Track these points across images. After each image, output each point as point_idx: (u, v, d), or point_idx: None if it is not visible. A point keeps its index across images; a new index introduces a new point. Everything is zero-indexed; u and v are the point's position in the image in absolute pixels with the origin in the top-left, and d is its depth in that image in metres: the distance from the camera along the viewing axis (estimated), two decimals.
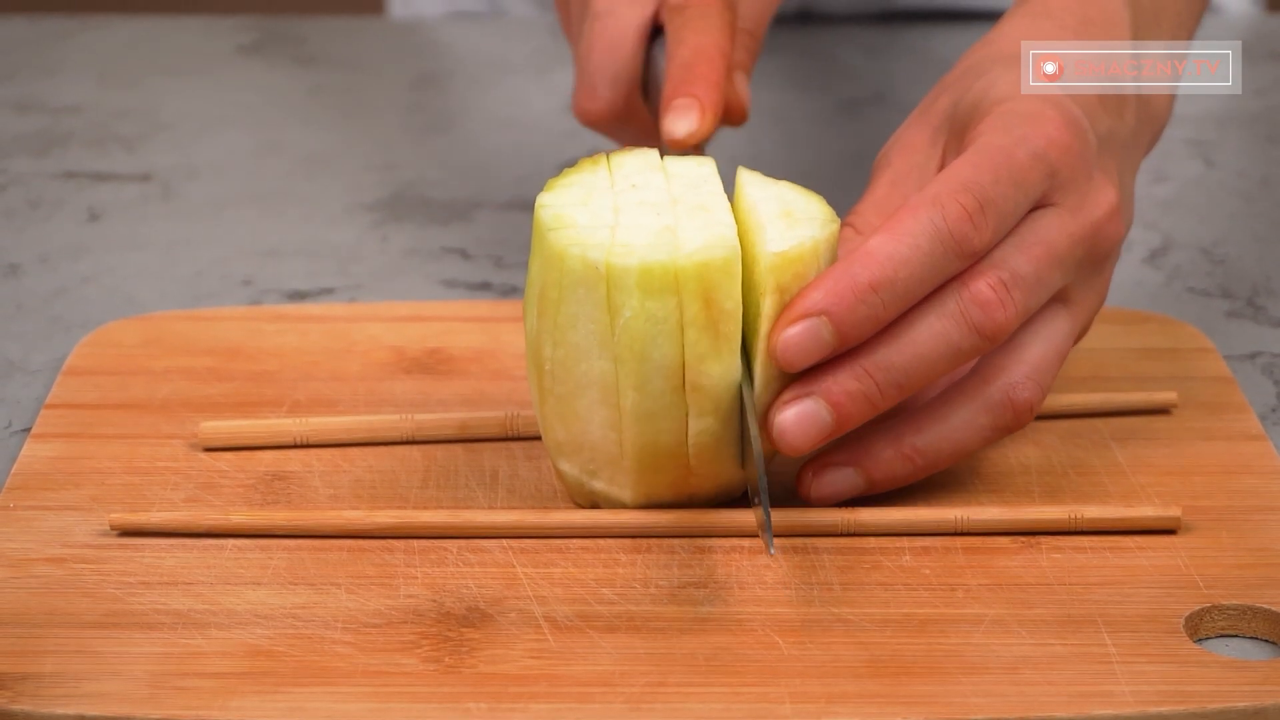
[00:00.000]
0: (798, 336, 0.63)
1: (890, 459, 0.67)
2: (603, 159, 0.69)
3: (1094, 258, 0.68)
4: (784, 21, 1.18)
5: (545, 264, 0.65)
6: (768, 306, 0.63)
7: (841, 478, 0.67)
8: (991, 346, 0.65)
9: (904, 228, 0.64)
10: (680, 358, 0.63)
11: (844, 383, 0.64)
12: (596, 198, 0.66)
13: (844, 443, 0.67)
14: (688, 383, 0.64)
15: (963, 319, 0.64)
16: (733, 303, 0.63)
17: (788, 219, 0.65)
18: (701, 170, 0.68)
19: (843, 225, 0.68)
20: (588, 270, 0.63)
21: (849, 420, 0.64)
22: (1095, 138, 0.68)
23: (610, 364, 0.64)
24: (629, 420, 0.64)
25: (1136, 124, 0.71)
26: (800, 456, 0.66)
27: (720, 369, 0.64)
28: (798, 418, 0.64)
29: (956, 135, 0.69)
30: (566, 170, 0.68)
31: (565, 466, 0.67)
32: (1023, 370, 0.66)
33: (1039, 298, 0.66)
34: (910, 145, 0.70)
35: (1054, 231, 0.66)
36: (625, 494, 0.66)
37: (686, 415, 0.64)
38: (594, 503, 0.68)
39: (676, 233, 0.64)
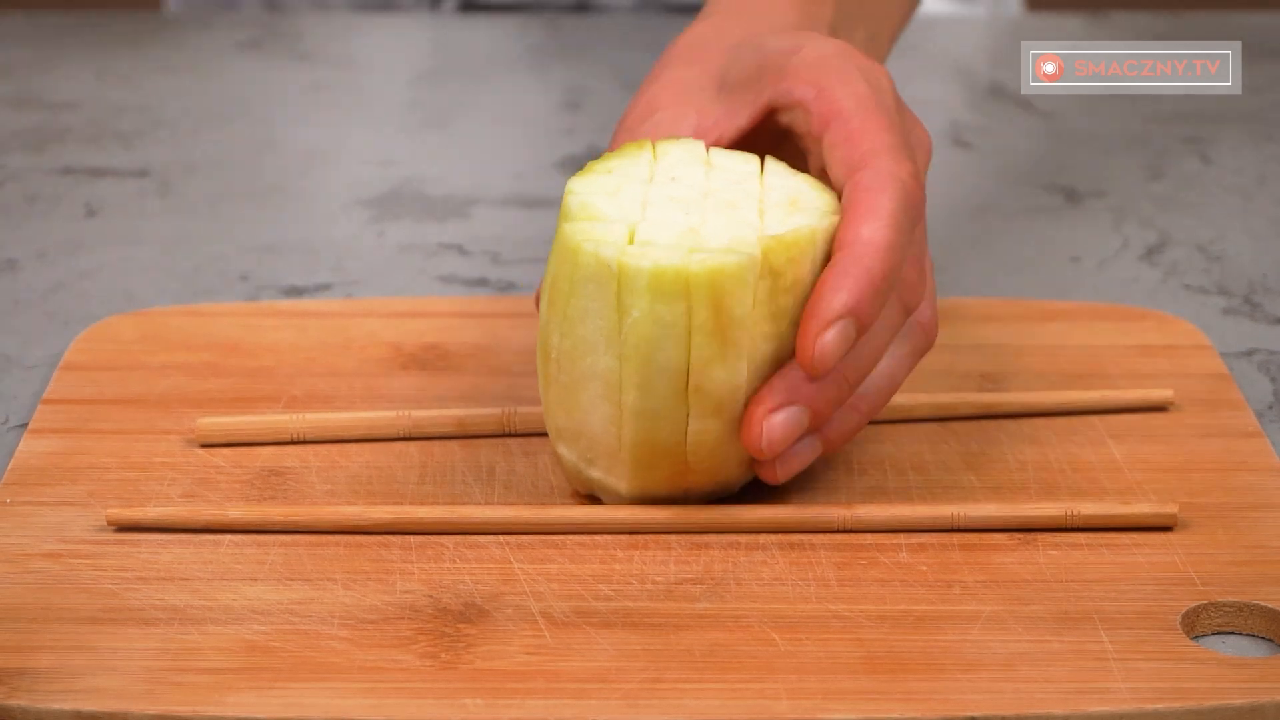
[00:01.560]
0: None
1: (840, 418, 0.67)
2: (648, 145, 0.68)
3: None
4: (562, 9, 1.19)
5: (560, 254, 0.64)
6: (760, 290, 0.63)
7: (801, 447, 0.66)
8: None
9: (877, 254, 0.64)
10: (685, 362, 0.63)
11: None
12: (628, 189, 0.65)
13: None
14: (691, 385, 0.63)
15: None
16: (742, 309, 0.63)
17: (791, 207, 0.65)
18: (746, 167, 0.67)
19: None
20: (600, 267, 0.63)
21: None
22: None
23: (615, 361, 0.64)
24: (629, 417, 0.64)
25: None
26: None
27: (725, 374, 0.63)
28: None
29: (745, 88, 0.70)
30: (607, 154, 0.67)
31: (564, 451, 0.67)
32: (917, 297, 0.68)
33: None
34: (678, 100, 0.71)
35: (918, 208, 0.67)
36: (621, 485, 0.66)
37: (687, 416, 0.64)
38: (590, 489, 0.68)
39: (699, 234, 0.63)
